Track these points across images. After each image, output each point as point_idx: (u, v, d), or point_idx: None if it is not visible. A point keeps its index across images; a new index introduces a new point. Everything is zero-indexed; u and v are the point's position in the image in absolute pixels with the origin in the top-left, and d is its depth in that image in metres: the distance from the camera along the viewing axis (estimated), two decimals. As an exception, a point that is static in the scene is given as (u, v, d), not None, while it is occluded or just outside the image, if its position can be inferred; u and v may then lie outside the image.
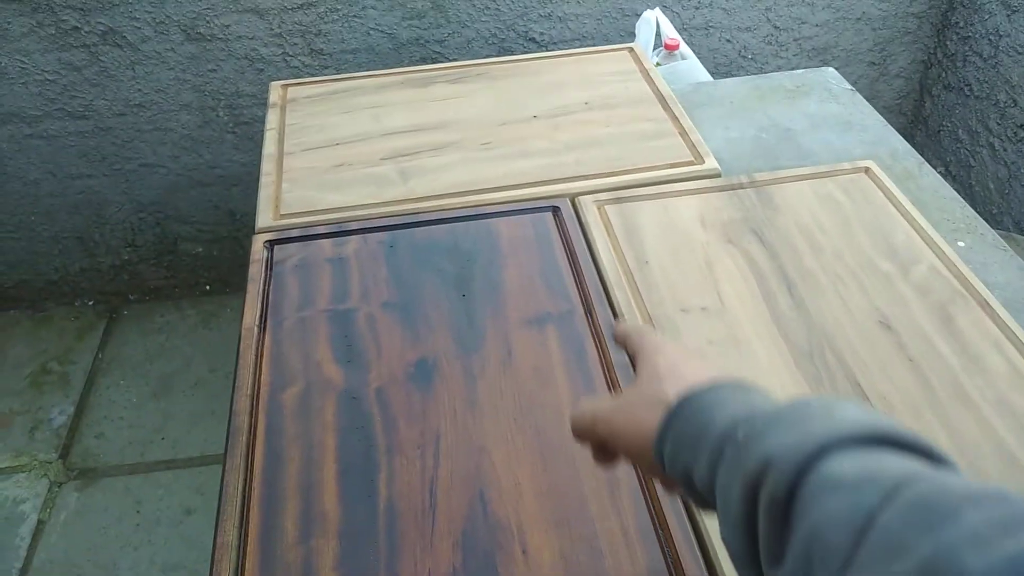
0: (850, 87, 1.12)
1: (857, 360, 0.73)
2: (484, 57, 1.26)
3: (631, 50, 1.24)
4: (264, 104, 1.75)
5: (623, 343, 0.54)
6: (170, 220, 1.94)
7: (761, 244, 0.86)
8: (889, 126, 1.05)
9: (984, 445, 0.66)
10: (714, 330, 0.77)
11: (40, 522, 1.53)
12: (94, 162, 1.80)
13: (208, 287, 2.07)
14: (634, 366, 0.51)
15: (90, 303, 2.03)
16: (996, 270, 0.83)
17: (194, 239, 1.99)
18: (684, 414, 0.42)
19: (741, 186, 0.94)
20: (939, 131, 1.64)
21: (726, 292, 0.81)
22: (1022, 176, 1.43)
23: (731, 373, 0.71)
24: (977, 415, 0.68)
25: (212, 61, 1.66)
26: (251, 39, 1.65)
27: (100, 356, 1.89)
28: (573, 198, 0.95)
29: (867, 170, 0.96)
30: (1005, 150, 1.47)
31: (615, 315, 0.80)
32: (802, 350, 0.74)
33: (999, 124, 1.51)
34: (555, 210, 0.94)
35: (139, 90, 1.67)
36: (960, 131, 1.59)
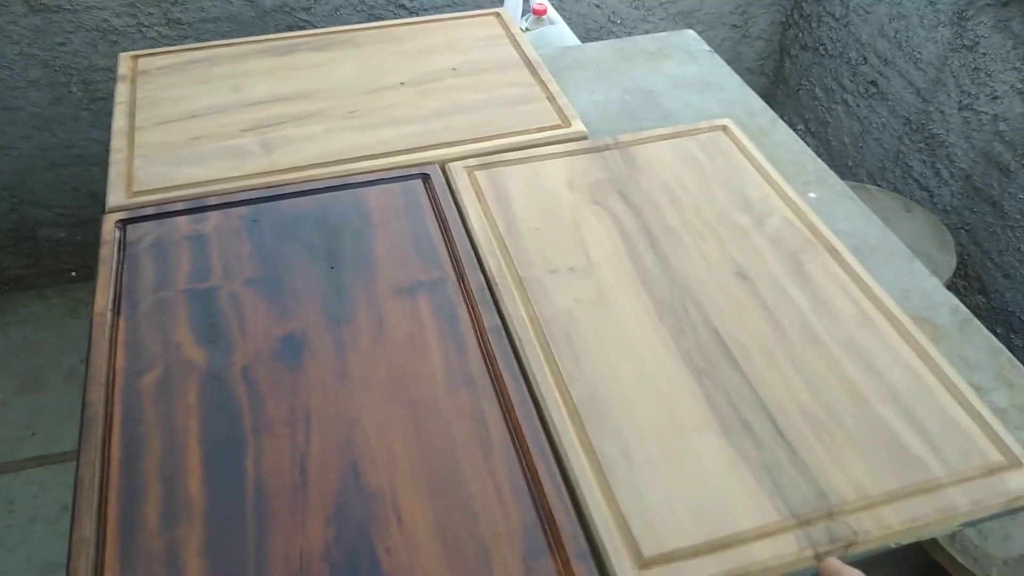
0: (709, 48, 1.15)
1: (716, 310, 0.76)
2: (352, 24, 1.22)
3: (498, 15, 1.23)
4: (120, 78, 1.66)
5: None
6: (26, 204, 1.82)
7: (625, 203, 0.88)
8: (746, 86, 1.09)
9: (832, 381, 0.70)
10: (582, 289, 0.78)
11: None
12: (-67, 146, 1.66)
13: (74, 273, 1.95)
14: None
15: (-60, 299, 1.89)
16: (843, 218, 0.88)
17: (55, 223, 1.88)
18: None
19: (607, 148, 0.96)
20: (798, 90, 1.72)
21: (593, 251, 0.82)
22: (874, 130, 1.52)
23: (599, 331, 0.73)
24: (826, 355, 0.72)
25: (60, 34, 1.55)
26: (101, 9, 1.55)
27: (-45, 354, 1.76)
28: (443, 165, 0.94)
29: (724, 128, 0.99)
30: (858, 105, 1.56)
31: (487, 279, 0.80)
32: (664, 304, 0.77)
33: (851, 81, 1.59)
34: (425, 177, 0.93)
35: (-22, 66, 1.55)
36: (817, 89, 1.66)
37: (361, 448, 0.66)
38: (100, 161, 1.76)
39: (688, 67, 1.12)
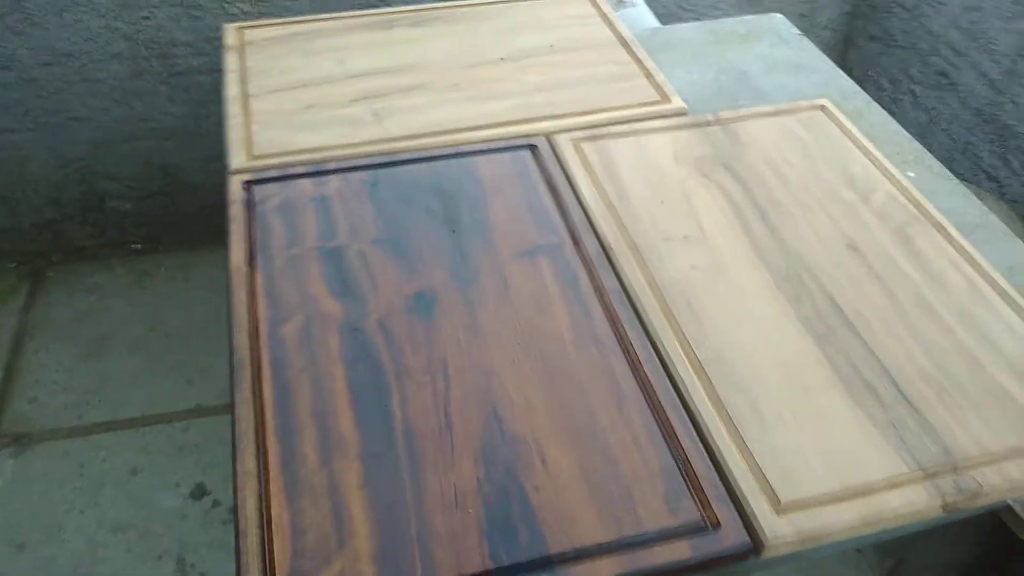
0: (799, 32, 1.17)
1: (831, 280, 0.79)
2: (437, 1, 1.25)
3: (586, -4, 1.26)
4: (201, 53, 1.70)
5: None
6: (97, 176, 1.86)
7: (733, 178, 0.91)
8: (837, 68, 1.11)
9: (949, 349, 0.72)
10: (697, 257, 0.81)
11: (-23, 491, 1.47)
12: (17, 116, 1.70)
13: (138, 246, 2.00)
14: None
15: (12, 265, 1.93)
16: (943, 197, 0.90)
17: (123, 196, 1.92)
18: None
19: (708, 124, 0.99)
20: (863, 80, 1.74)
21: (705, 222, 0.85)
22: (942, 121, 1.54)
23: (718, 296, 0.76)
24: (941, 324, 0.75)
25: (145, 8, 1.59)
26: (185, -16, 1.59)
27: (25, 319, 1.81)
28: (549, 137, 0.97)
29: (823, 107, 1.01)
30: (926, 96, 1.58)
31: (602, 246, 0.83)
32: (780, 273, 0.79)
33: (920, 72, 1.61)
34: (532, 148, 0.96)
35: (67, 39, 1.59)
36: (883, 79, 1.68)
37: (499, 396, 0.69)
38: (174, 135, 1.80)
39: (779, 50, 1.14)
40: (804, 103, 1.01)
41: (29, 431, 1.59)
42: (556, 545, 0.59)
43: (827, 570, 1.36)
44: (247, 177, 0.91)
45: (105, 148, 1.81)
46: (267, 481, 0.63)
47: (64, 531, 1.42)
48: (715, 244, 0.83)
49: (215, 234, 1.98)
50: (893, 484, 0.62)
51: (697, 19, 1.77)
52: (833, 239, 0.83)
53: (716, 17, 1.76)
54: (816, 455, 0.64)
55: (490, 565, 0.58)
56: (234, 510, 0.61)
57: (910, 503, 0.61)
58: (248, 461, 0.64)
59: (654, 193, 0.89)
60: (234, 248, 0.83)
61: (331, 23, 1.18)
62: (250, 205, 0.88)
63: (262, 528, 0.60)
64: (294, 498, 0.62)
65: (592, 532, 0.60)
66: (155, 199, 1.92)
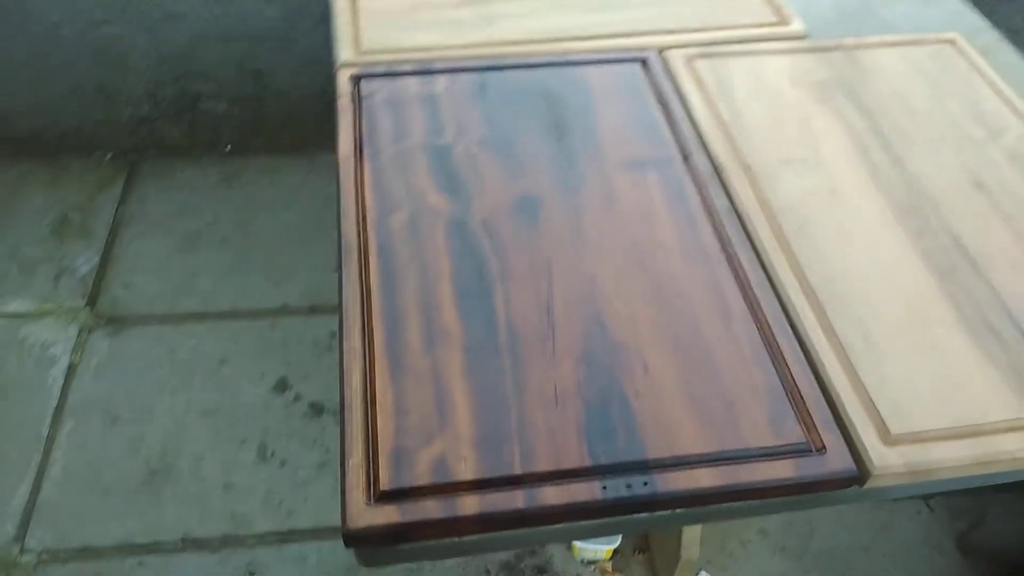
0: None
1: (955, 217, 0.75)
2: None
3: (707, -89, 1.20)
4: (301, -46, 1.69)
5: None
6: (192, 75, 1.89)
7: (854, 105, 0.87)
8: (968, 2, 1.05)
9: (1080, 297, 0.69)
10: (813, 182, 0.78)
11: (71, 365, 1.54)
12: (116, 9, 1.73)
13: (228, 147, 2.03)
14: None
15: (108, 156, 1.99)
16: (1082, 143, 0.85)
17: (216, 96, 1.94)
18: None
19: (829, 49, 0.94)
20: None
21: (823, 147, 0.82)
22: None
23: (834, 222, 0.73)
24: (1074, 270, 0.71)
25: (251, -98, 1.58)
26: None
27: (121, 209, 1.86)
28: (661, 51, 0.94)
29: (953, 41, 0.95)
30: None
31: (713, 164, 0.81)
32: (902, 205, 0.76)
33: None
34: (643, 62, 0.93)
35: (171, -71, 1.59)
36: (1017, 19, 1.58)
37: (603, 303, 0.69)
38: (268, 39, 1.81)
39: (911, -22, 1.08)
40: (932, 36, 0.95)
41: (124, 314, 1.65)
42: (655, 451, 0.59)
43: (896, 529, 1.34)
44: (355, 71, 0.91)
45: (200, 48, 1.82)
46: (372, 361, 0.64)
47: (154, 411, 1.49)
48: (833, 170, 0.79)
49: (301, 141, 2.01)
50: (1011, 427, 0.60)
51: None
52: (959, 175, 0.79)
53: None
54: (930, 391, 0.62)
55: (588, 462, 0.58)
56: (339, 385, 0.63)
57: (1027, 446, 0.59)
58: (355, 339, 0.65)
59: (770, 115, 0.85)
60: (343, 139, 0.83)
61: (443, -77, 1.15)
62: (357, 99, 0.88)
63: (366, 404, 0.61)
64: (398, 379, 0.63)
65: (692, 442, 0.59)
66: (246, 103, 1.94)
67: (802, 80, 0.90)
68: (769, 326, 0.67)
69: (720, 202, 0.77)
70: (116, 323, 1.63)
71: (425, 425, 0.60)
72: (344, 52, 0.94)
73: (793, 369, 0.64)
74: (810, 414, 0.61)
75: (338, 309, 0.68)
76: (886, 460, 0.58)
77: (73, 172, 1.95)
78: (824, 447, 0.59)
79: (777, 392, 0.63)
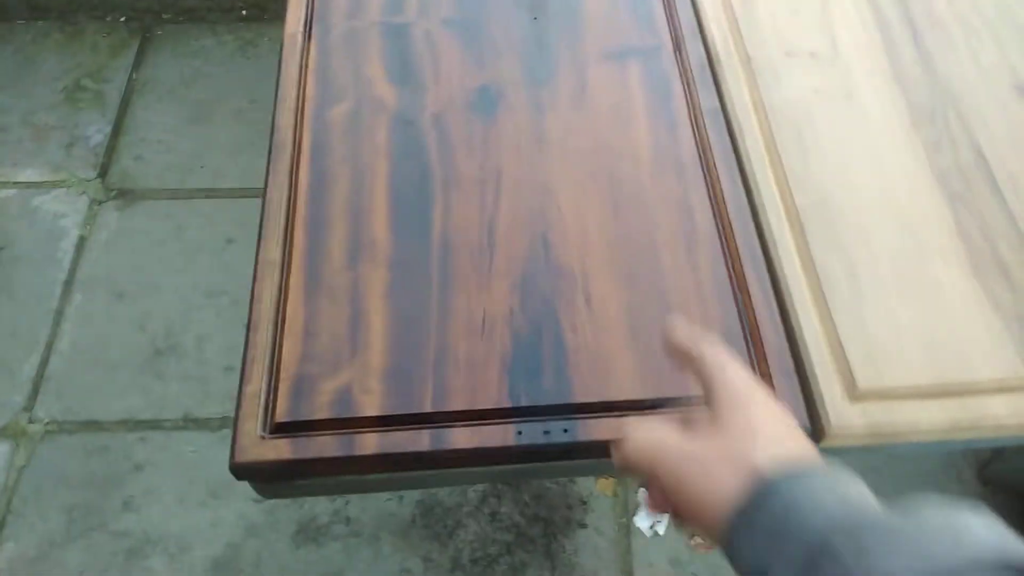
0: None
1: (984, 127, 0.64)
2: None
3: None
4: None
5: (680, 357, 0.42)
6: (206, -69, 1.77)
7: (889, -15, 0.73)
8: None
9: (1120, 233, 0.58)
10: (822, 79, 0.67)
11: (81, 238, 1.53)
12: None
13: (244, 12, 1.93)
14: (706, 396, 0.40)
15: (122, 19, 1.91)
16: None
17: (231, -45, 1.83)
18: (772, 504, 0.33)
19: (873, -86, 0.79)
20: None
21: (841, 36, 0.70)
22: None
23: (838, 130, 0.63)
24: (1117, 199, 0.59)
25: None
26: None
27: (134, 76, 1.81)
28: (670, -85, 0.81)
29: (1028, -93, 0.79)
30: None
31: (708, 53, 0.70)
32: (922, 110, 0.65)
33: None
34: (648, -72, 0.80)
35: None
36: None
37: (553, 220, 0.61)
38: None
39: None
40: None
41: (134, 188, 1.63)
42: (583, 394, 0.52)
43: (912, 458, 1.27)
44: (317, -66, 0.80)
45: (212, -101, 1.70)
46: (288, 274, 0.58)
47: (160, 288, 1.48)
48: (848, 65, 0.68)
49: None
50: (1003, 387, 0.52)
51: None
52: (999, 76, 0.67)
53: None
54: (915, 338, 0.53)
55: (506, 403, 0.52)
56: (249, 301, 0.57)
57: (1017, 412, 0.51)
58: (272, 250, 0.59)
59: (786, -4, 0.73)
60: (291, 12, 0.74)
61: None
62: (317, -34, 0.78)
63: (276, 325, 0.56)
64: (313, 297, 0.57)
65: (627, 387, 0.53)
66: (263, -38, 1.83)
67: (832, -47, 0.76)
68: (739, 254, 0.58)
69: (708, 102, 0.67)
70: (126, 196, 1.60)
71: (334, 351, 0.54)
72: (308, -89, 0.83)
73: (757, 306, 0.56)
74: (766, 359, 0.53)
75: (259, 214, 0.62)
76: (845, 418, 0.50)
77: (87, 35, 1.89)
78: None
79: (733, 331, 0.55)
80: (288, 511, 1.23)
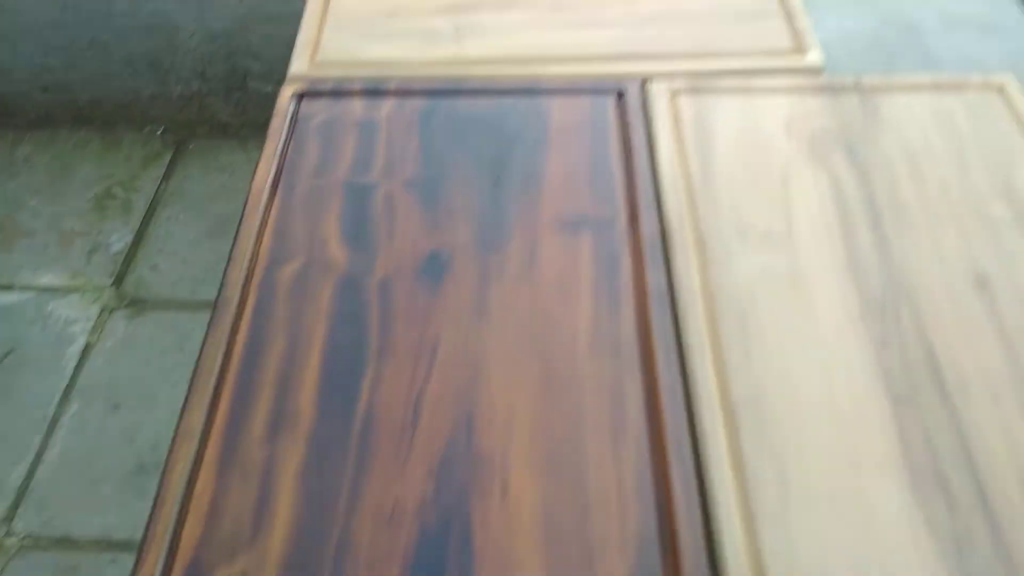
0: (1005, -20, 0.92)
1: (937, 322, 0.61)
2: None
3: (747, -91, 1.05)
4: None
5: None
6: (241, 54, 1.87)
7: (852, 164, 0.73)
8: (1045, 34, 0.87)
9: (1076, 450, 0.54)
10: (773, 261, 0.66)
11: (88, 345, 1.56)
12: (165, -17, 1.72)
13: (275, 128, 2.01)
14: None
15: (159, 131, 2.01)
16: None
17: (265, 77, 1.92)
18: None
19: (844, 89, 0.79)
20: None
21: (798, 215, 0.69)
22: None
23: (783, 319, 0.61)
24: (1075, 412, 0.56)
25: None
26: None
27: (163, 187, 1.88)
28: (645, 81, 0.82)
29: (1001, 88, 0.79)
30: None
31: (663, 228, 0.69)
32: (873, 300, 0.62)
33: None
34: (620, 95, 0.81)
35: (210, -92, 1.56)
36: None
37: (481, 399, 0.59)
38: (312, 19, 1.76)
39: (971, 3, 0.90)
40: (976, 79, 0.79)
41: (146, 297, 1.66)
42: (483, 599, 0.50)
43: None
44: (300, 88, 0.84)
45: (249, 25, 1.80)
46: (205, 446, 0.57)
47: (156, 400, 1.49)
48: (801, 247, 0.66)
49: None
50: (934, 621, 0.48)
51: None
52: (959, 267, 0.64)
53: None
54: (842, 560, 0.50)
55: (402, 604, 0.50)
56: (162, 471, 0.56)
57: (949, 653, 0.47)
58: (194, 418, 0.59)
59: (748, 171, 0.73)
60: (261, 167, 0.76)
61: (442, -82, 1.05)
62: (294, 120, 0.81)
63: (183, 500, 0.55)
64: (225, 472, 0.56)
65: (530, 593, 0.50)
66: (294, 83, 1.91)
67: (800, 127, 0.76)
68: (666, 450, 0.56)
69: (656, 280, 0.66)
70: (137, 305, 1.64)
71: (234, 535, 0.53)
72: (296, 63, 0.87)
73: (679, 510, 0.53)
74: (682, 572, 0.50)
75: (190, 379, 0.61)
76: (759, 651, 0.47)
77: (125, 144, 1.98)
78: (689, 620, 0.48)
79: (650, 540, 0.52)
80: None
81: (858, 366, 0.59)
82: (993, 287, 0.63)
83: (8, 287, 1.66)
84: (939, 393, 0.57)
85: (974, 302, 0.62)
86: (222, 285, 0.67)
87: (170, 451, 0.57)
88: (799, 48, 0.84)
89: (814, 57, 0.83)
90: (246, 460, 0.56)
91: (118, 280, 1.68)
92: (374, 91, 0.83)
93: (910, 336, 0.60)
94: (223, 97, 1.95)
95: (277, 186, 0.75)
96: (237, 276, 0.68)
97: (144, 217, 1.81)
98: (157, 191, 1.87)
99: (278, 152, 0.78)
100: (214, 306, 0.66)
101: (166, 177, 1.90)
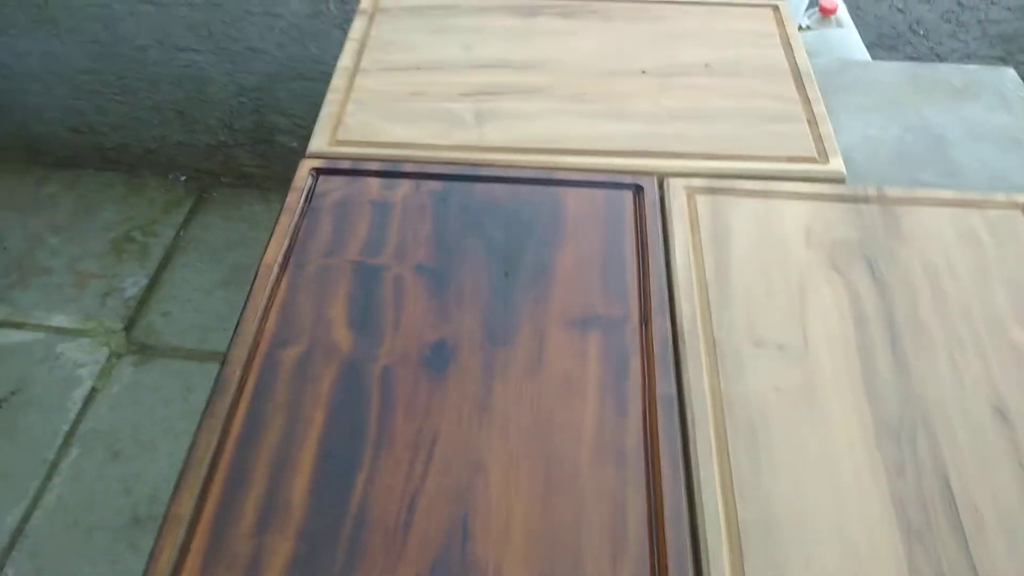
0: (1032, 96, 0.92)
1: (955, 452, 0.59)
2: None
3: (776, 9, 1.06)
4: (376, 3, 1.65)
5: None
6: (269, 109, 1.90)
7: (872, 278, 0.71)
8: (1072, 152, 0.86)
9: (1096, 605, 0.52)
10: (787, 376, 0.64)
11: (93, 389, 1.56)
12: (201, 37, 1.76)
13: (298, 182, 2.03)
14: None
15: (183, 178, 2.03)
16: None
17: (291, 132, 1.95)
18: None
19: (865, 200, 0.79)
20: None
21: (814, 331, 0.67)
22: None
23: (795, 438, 0.59)
24: (1096, 562, 0.53)
25: (327, -51, 1.57)
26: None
27: (182, 234, 1.89)
28: (662, 178, 0.82)
29: (1028, 206, 0.78)
30: None
31: (675, 332, 0.68)
32: (889, 425, 0.61)
33: None
34: (637, 190, 0.81)
35: (251, -30, 1.60)
36: None
37: (478, 502, 0.58)
38: (341, 81, 1.79)
39: (997, 115, 0.90)
40: (1001, 197, 0.78)
41: (155, 344, 1.66)
42: None
43: None
44: (319, 164, 0.84)
45: (277, 83, 1.83)
46: (193, 535, 0.56)
47: (156, 450, 1.48)
48: (816, 364, 0.65)
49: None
50: None
51: (930, 51, 1.49)
52: (979, 394, 0.63)
53: (954, 52, 1.47)
54: None
55: None
56: (147, 559, 0.55)
57: None
58: (183, 504, 0.57)
59: (765, 278, 0.72)
60: (273, 243, 0.76)
61: (473, 0, 1.07)
62: (309, 197, 0.81)
63: (164, 591, 0.53)
64: (211, 565, 0.54)
65: None
66: (319, 140, 1.94)
67: (819, 237, 0.75)
68: (667, 569, 0.54)
69: (665, 386, 0.64)
70: (145, 352, 1.64)
71: (212, 635, 0.51)
72: (317, 139, 0.88)
73: (676, 641, 0.51)
74: None
75: (184, 462, 0.60)
76: None
77: (148, 189, 2.00)
78: None
79: (645, 671, 0.50)
80: None
81: (872, 493, 0.57)
82: (1012, 418, 0.61)
83: (20, 325, 1.67)
84: (952, 526, 0.55)
85: (992, 433, 0.60)
86: (224, 363, 0.66)
87: (158, 535, 0.55)
88: (821, 155, 0.84)
89: (836, 165, 0.83)
90: (234, 553, 0.55)
91: (129, 325, 1.68)
92: (390, 172, 0.83)
93: (927, 465, 0.58)
94: (248, 148, 1.98)
95: (287, 263, 0.74)
96: (239, 355, 0.67)
97: (161, 262, 1.82)
98: (175, 237, 1.88)
99: (291, 229, 0.78)
100: (214, 385, 0.65)
101: (185, 224, 1.92)
